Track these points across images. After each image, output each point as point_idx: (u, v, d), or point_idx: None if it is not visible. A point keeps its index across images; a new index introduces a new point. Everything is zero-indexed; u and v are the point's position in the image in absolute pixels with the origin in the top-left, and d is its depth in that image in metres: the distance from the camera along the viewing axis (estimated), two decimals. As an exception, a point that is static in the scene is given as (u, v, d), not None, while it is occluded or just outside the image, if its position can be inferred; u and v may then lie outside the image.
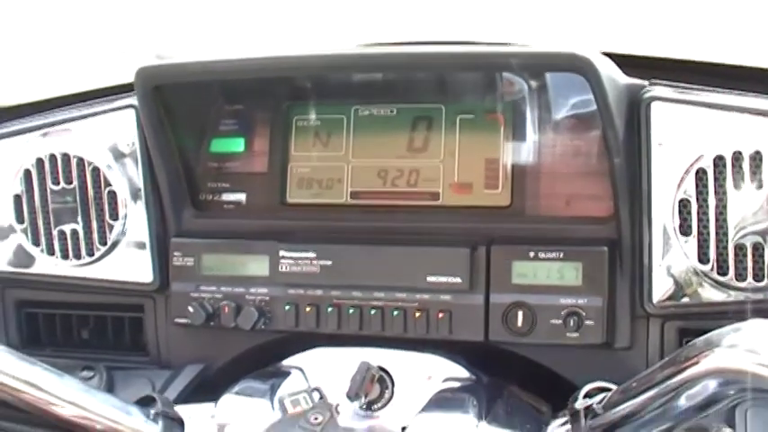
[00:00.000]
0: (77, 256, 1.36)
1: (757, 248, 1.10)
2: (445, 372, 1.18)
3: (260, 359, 1.26)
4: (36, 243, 1.37)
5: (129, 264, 1.35)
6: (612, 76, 1.13)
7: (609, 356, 1.19)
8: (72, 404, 1.04)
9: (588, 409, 0.92)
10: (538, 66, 1.21)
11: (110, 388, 1.36)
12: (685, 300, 1.15)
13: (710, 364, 0.80)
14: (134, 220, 1.34)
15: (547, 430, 0.96)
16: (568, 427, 0.93)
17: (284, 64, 1.25)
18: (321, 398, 1.10)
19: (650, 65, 1.24)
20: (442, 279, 1.20)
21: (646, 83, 1.17)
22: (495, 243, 1.20)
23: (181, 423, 1.12)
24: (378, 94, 1.34)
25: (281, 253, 1.26)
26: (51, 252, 1.37)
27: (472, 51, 1.19)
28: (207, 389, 1.27)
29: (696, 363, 0.81)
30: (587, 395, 0.95)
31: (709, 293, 1.14)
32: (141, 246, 1.34)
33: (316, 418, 1.06)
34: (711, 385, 0.79)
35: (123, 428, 1.07)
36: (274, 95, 1.36)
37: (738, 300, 1.13)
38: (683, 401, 0.82)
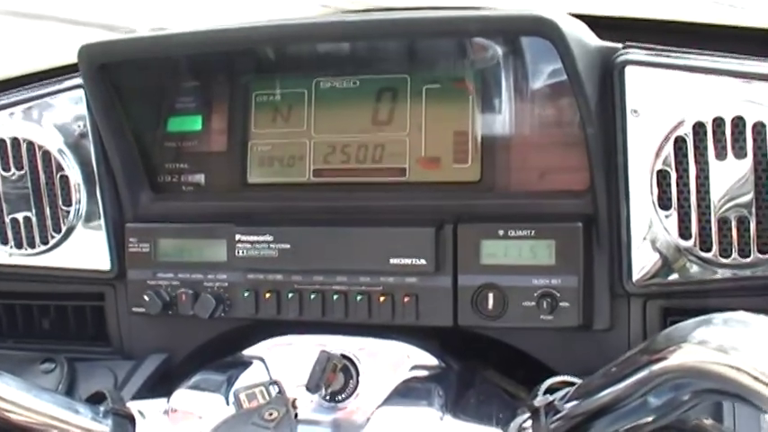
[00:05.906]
0: (31, 245, 1.30)
1: (742, 222, 1.03)
2: (415, 359, 1.12)
3: (225, 349, 1.21)
4: (-11, 233, 1.32)
5: (85, 251, 1.29)
6: (582, 39, 1.06)
7: (588, 338, 1.12)
8: (14, 404, 0.99)
9: (550, 405, 0.85)
10: (500, 30, 1.14)
11: (71, 380, 1.31)
12: (667, 278, 1.08)
13: (673, 362, 0.72)
14: (89, 206, 1.28)
15: (508, 428, 0.89)
16: (529, 423, 0.86)
17: (237, 36, 1.18)
18: (279, 392, 1.04)
19: (624, 26, 1.17)
20: (406, 261, 1.13)
21: (619, 46, 1.09)
22: (462, 221, 1.13)
23: (132, 420, 1.07)
24: (340, 65, 1.27)
25: (238, 237, 1.19)
26: (5, 241, 1.31)
27: (432, 17, 1.12)
28: (172, 379, 1.21)
29: (659, 359, 0.73)
30: (549, 390, 0.88)
31: (693, 271, 1.07)
32: (98, 232, 1.28)
33: (270, 414, 1.00)
34: (674, 386, 0.72)
35: (70, 428, 1.02)
36: (232, 70, 1.30)
37: (724, 277, 1.06)
38: (648, 401, 0.75)
